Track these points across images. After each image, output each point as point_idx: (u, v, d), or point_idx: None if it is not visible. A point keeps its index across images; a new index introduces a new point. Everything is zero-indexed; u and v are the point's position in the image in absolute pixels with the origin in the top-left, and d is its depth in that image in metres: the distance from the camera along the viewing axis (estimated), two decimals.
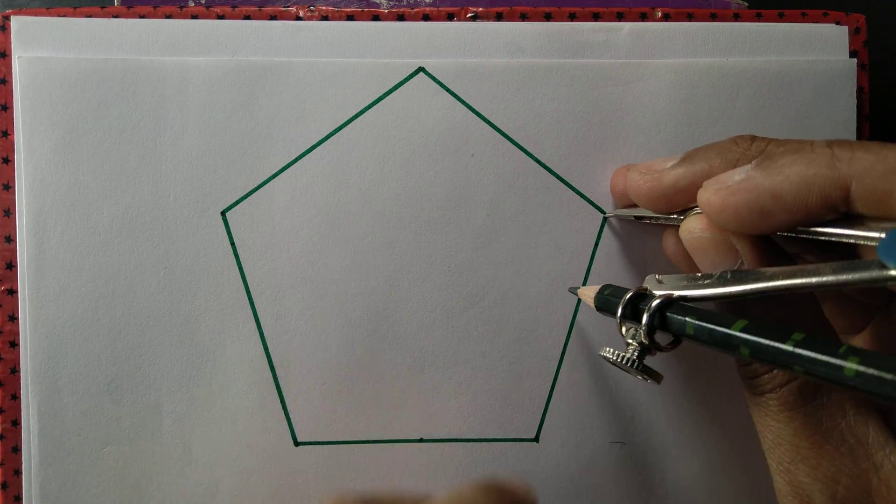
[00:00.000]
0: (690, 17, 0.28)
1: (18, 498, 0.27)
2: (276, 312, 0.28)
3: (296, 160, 0.27)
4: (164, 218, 0.27)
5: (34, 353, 0.27)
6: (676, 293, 0.22)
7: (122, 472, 0.27)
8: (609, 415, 0.28)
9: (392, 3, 0.29)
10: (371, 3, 0.29)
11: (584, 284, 0.28)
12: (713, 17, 0.29)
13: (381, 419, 0.28)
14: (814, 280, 0.19)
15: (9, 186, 0.27)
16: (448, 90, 0.28)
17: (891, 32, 0.32)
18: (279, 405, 0.28)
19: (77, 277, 0.27)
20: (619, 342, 0.24)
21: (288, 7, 0.28)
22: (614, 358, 0.23)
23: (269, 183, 0.27)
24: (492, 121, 0.28)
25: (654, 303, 0.22)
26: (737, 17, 0.29)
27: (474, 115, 0.28)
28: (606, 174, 0.28)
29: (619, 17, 0.28)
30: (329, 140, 0.27)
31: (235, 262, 0.27)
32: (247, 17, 0.28)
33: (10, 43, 0.27)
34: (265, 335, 0.28)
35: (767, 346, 0.19)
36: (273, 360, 0.28)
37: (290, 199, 0.27)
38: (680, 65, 0.28)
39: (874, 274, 0.17)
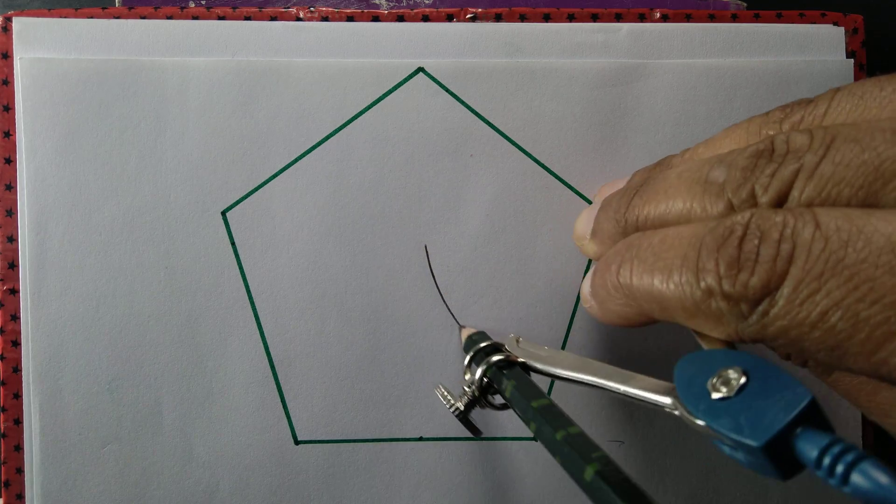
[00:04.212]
0: (688, 18, 0.29)
1: (21, 496, 0.27)
2: (276, 312, 0.28)
3: (296, 160, 0.28)
4: (165, 218, 0.27)
5: (36, 353, 0.27)
6: (521, 358, 0.23)
7: (123, 471, 0.27)
8: (608, 413, 0.28)
9: (392, 4, 0.29)
10: (371, 3, 0.29)
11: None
12: (711, 18, 0.29)
13: (380, 417, 0.28)
14: (609, 384, 0.20)
15: (11, 186, 0.27)
16: (447, 90, 0.28)
17: (889, 33, 0.32)
18: (279, 404, 0.28)
19: (78, 277, 0.27)
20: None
21: (288, 8, 0.28)
22: (444, 402, 0.25)
23: (270, 183, 0.28)
24: (491, 121, 0.28)
25: (493, 359, 0.23)
26: (735, 18, 0.29)
27: (474, 116, 0.28)
28: (605, 174, 0.28)
29: (618, 18, 0.28)
30: (329, 140, 0.28)
31: (236, 262, 0.28)
32: (247, 18, 0.28)
33: (12, 44, 0.27)
34: (265, 335, 0.28)
35: (545, 429, 0.20)
36: (273, 359, 0.28)
37: (290, 199, 0.28)
38: (678, 65, 0.28)
39: (656, 397, 0.19)
